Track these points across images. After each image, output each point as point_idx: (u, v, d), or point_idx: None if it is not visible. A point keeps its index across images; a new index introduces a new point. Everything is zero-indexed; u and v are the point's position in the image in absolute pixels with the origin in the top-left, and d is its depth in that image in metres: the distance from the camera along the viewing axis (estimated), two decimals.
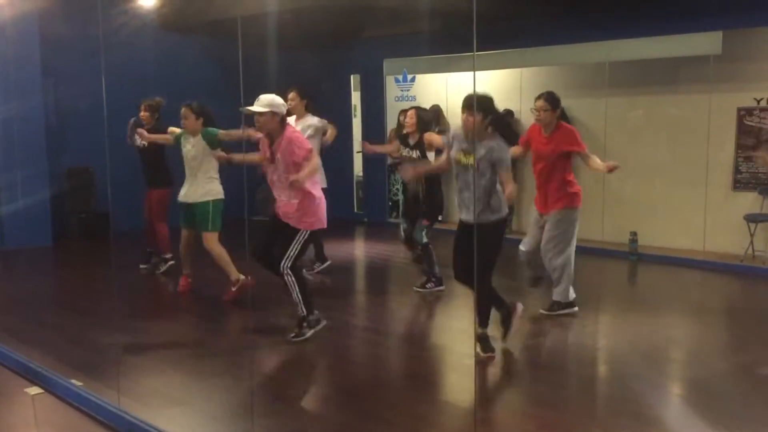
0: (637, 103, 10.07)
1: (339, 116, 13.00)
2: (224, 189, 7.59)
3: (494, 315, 5.87)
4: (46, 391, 5.19)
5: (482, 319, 5.76)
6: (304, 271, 6.88)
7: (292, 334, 6.20)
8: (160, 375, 5.62)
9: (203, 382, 5.42)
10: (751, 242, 8.87)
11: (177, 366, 5.82)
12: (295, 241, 6.11)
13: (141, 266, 8.95)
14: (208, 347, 6.27)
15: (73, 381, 5.18)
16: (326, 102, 12.97)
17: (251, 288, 7.25)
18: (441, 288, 7.69)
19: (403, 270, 8.53)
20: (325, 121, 8.20)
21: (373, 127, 12.69)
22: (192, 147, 7.47)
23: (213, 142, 7.36)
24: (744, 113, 9.11)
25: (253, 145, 6.71)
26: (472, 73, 10.91)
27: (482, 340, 5.71)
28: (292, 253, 6.11)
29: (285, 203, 6.20)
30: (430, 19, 9.96)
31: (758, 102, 8.95)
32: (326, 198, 6.42)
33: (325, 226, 6.37)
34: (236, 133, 7.32)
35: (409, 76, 12.34)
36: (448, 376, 5.80)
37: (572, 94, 10.52)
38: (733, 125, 9.18)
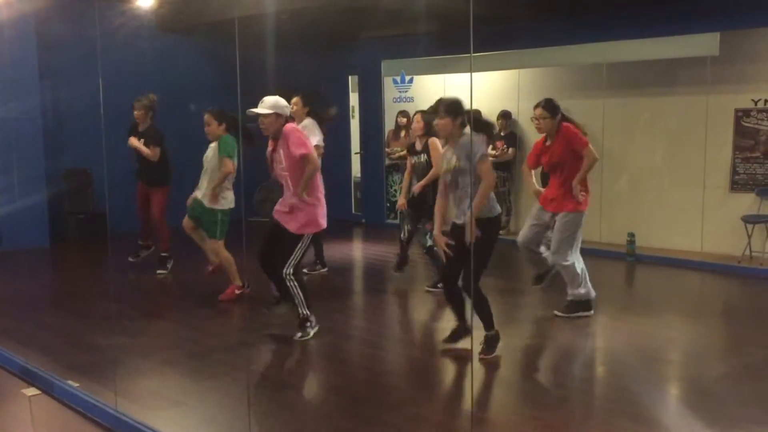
0: (634, 105, 10.07)
1: (337, 117, 13.02)
2: None
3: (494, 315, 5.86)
4: (43, 392, 5.18)
5: (485, 323, 5.75)
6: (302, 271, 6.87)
7: (299, 334, 6.23)
8: (157, 376, 5.62)
9: (201, 383, 5.42)
10: (749, 243, 8.88)
11: (174, 367, 5.82)
12: (297, 248, 6.15)
13: (129, 258, 9.03)
14: (206, 348, 6.26)
15: (71, 382, 5.18)
16: (324, 103, 13.01)
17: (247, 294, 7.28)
18: None
19: (405, 271, 8.52)
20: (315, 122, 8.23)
21: (371, 129, 12.70)
22: (211, 152, 7.52)
23: (225, 150, 7.37)
24: (741, 114, 9.12)
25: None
26: (469, 74, 10.94)
27: (488, 340, 5.73)
28: (294, 260, 6.15)
29: (283, 206, 6.23)
30: (428, 21, 9.96)
31: (755, 103, 8.96)
32: (324, 199, 6.41)
33: (324, 226, 6.37)
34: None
35: (407, 77, 12.34)
36: (446, 377, 5.80)
37: (570, 95, 10.53)
38: (730, 126, 9.19)
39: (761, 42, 8.98)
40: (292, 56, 12.14)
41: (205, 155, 7.58)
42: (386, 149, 11.72)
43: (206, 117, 7.47)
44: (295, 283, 6.16)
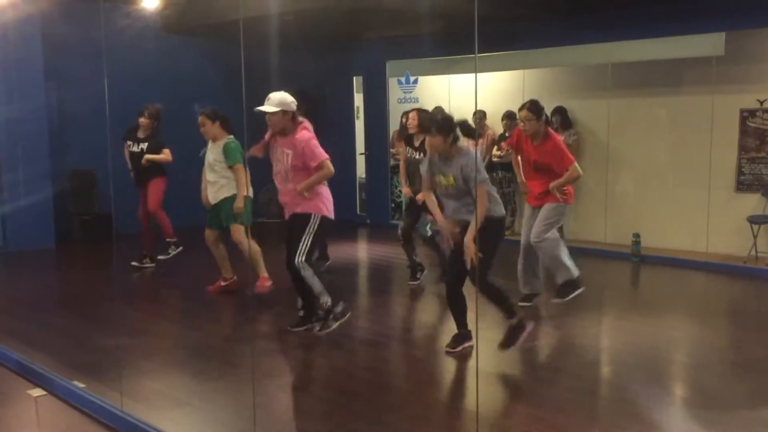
0: (639, 105, 10.06)
1: (342, 118, 13.05)
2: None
3: (499, 317, 5.86)
4: (49, 392, 5.19)
5: (505, 312, 5.72)
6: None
7: (318, 327, 6.21)
8: (162, 377, 5.62)
9: (206, 383, 5.42)
10: (754, 244, 8.86)
11: (180, 367, 5.83)
12: (305, 233, 6.06)
13: (132, 263, 9.08)
14: (211, 349, 6.27)
15: (76, 383, 5.19)
16: (329, 104, 13.04)
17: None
18: None
19: (407, 272, 8.52)
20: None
21: (376, 129, 12.70)
22: (210, 152, 7.57)
23: (233, 158, 7.42)
24: (747, 114, 9.10)
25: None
26: (474, 74, 10.93)
27: (510, 331, 5.70)
28: (304, 246, 6.06)
29: (286, 192, 6.19)
30: (433, 21, 9.96)
31: (761, 103, 8.94)
32: (329, 192, 6.39)
33: (332, 217, 6.31)
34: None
35: (412, 78, 12.34)
36: (450, 377, 5.80)
37: (575, 95, 10.54)
38: (735, 126, 9.17)
39: (767, 42, 8.96)
40: (297, 57, 12.15)
41: (207, 156, 7.62)
42: (391, 150, 11.71)
43: (200, 119, 7.58)
44: (311, 272, 6.06)
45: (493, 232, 5.60)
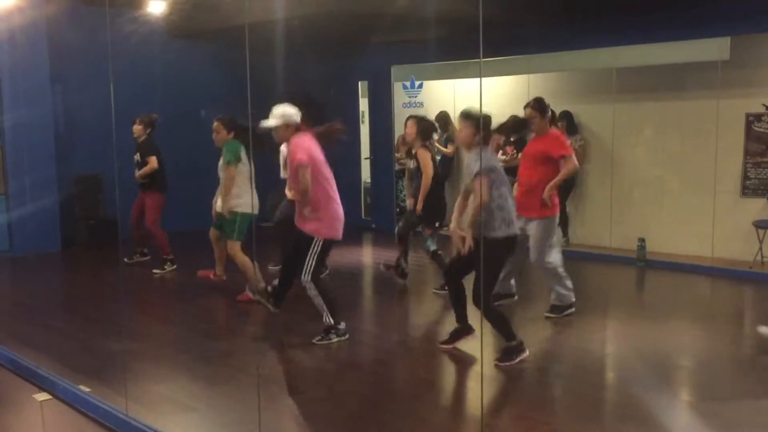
0: (644, 109, 10.04)
1: (347, 123, 13.02)
2: None
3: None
4: (54, 397, 5.20)
5: (504, 335, 5.75)
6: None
7: (318, 337, 6.27)
8: (167, 381, 5.63)
9: (211, 388, 5.43)
10: (760, 249, 8.83)
11: (185, 372, 5.83)
12: (309, 253, 6.17)
13: (125, 259, 9.21)
14: (216, 353, 6.28)
15: (81, 387, 5.19)
16: (334, 108, 13.04)
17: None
18: None
19: (411, 277, 8.52)
20: None
21: (381, 134, 12.70)
22: (221, 159, 7.63)
23: (227, 157, 7.47)
24: (752, 119, 9.08)
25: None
26: (479, 79, 10.93)
27: (505, 350, 5.73)
28: (309, 267, 6.17)
29: (299, 211, 6.31)
30: (438, 26, 9.95)
31: (767, 108, 8.92)
32: (338, 211, 6.40)
33: (339, 238, 6.37)
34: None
35: (417, 83, 12.35)
36: (455, 382, 5.79)
37: (580, 99, 10.53)
38: (741, 131, 9.15)
39: None
40: (302, 62, 12.16)
41: (219, 163, 7.68)
42: (396, 154, 11.73)
43: (216, 124, 7.63)
44: (315, 291, 6.19)
45: (495, 253, 5.54)
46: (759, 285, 8.50)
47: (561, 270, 6.94)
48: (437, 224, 7.98)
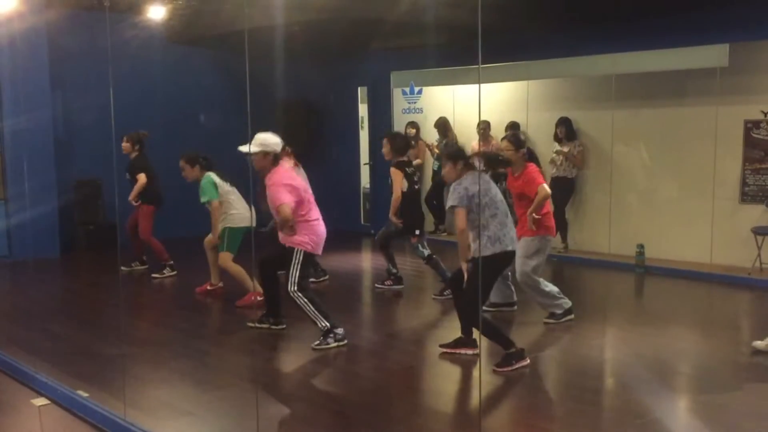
0: (643, 116, 10.05)
1: (346, 128, 13.08)
2: None
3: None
4: (53, 402, 5.19)
5: (501, 344, 5.79)
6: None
7: (316, 342, 6.28)
8: (166, 386, 5.63)
9: (209, 393, 5.42)
10: (759, 255, 8.84)
11: (183, 377, 5.83)
12: (292, 264, 6.27)
13: (122, 268, 9.24)
14: (215, 359, 6.28)
15: (80, 392, 5.19)
16: (334, 114, 13.07)
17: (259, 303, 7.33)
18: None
19: (409, 282, 8.52)
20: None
21: (380, 140, 12.69)
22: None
23: (204, 195, 7.77)
24: (751, 126, 9.10)
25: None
26: (478, 85, 10.96)
27: (504, 356, 5.77)
28: (293, 278, 6.25)
29: (280, 229, 6.44)
30: (437, 32, 9.98)
31: (765, 114, 8.94)
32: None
33: (319, 252, 6.49)
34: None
35: (416, 89, 12.37)
36: (453, 388, 5.79)
37: (579, 106, 10.55)
38: (740, 138, 9.17)
39: None
40: (302, 68, 12.18)
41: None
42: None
43: (180, 162, 8.00)
44: (304, 300, 6.24)
45: (485, 270, 5.56)
46: (757, 291, 8.50)
47: (541, 282, 6.95)
48: (417, 232, 8.07)
